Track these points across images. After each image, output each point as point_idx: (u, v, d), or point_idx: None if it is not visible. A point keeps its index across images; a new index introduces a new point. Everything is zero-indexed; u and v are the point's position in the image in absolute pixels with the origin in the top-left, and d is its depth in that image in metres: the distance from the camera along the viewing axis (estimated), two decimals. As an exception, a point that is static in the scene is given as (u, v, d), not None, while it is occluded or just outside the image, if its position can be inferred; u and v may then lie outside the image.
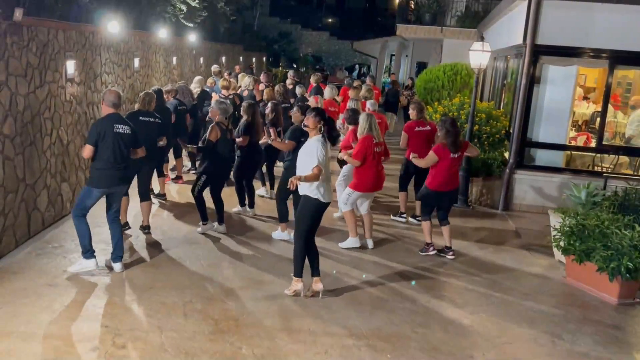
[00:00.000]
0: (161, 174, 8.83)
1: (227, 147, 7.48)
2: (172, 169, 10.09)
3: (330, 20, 48.08)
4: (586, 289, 6.51)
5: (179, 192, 9.37)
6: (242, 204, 8.41)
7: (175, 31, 14.58)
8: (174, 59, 14.43)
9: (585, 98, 11.48)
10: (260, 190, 9.31)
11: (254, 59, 29.02)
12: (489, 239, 8.17)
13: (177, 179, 9.95)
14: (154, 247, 6.93)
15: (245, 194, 8.37)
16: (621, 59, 9.29)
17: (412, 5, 20.78)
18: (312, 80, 14.15)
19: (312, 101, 9.82)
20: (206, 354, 4.66)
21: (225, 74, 14.39)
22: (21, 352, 4.53)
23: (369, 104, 9.17)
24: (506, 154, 10.04)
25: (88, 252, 5.94)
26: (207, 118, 9.49)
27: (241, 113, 8.19)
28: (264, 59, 33.56)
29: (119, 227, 6.25)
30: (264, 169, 9.44)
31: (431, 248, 7.29)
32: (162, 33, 12.89)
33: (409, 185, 8.62)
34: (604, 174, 9.16)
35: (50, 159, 7.32)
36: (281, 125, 8.72)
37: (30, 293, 5.46)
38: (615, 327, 5.73)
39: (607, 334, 5.56)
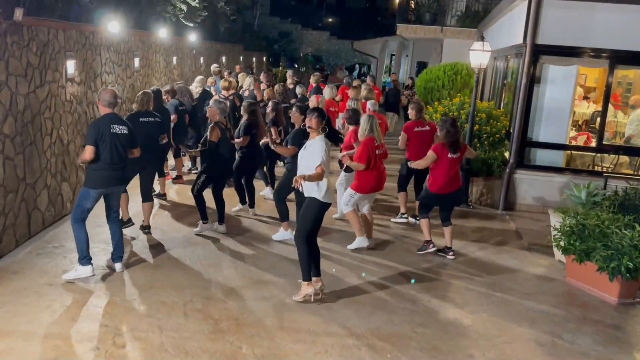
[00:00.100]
0: (162, 174, 8.83)
1: (227, 146, 7.48)
2: (173, 169, 10.10)
3: (330, 20, 48.16)
4: (586, 288, 6.51)
5: (179, 192, 9.36)
6: (242, 202, 8.41)
7: (176, 31, 14.58)
8: (174, 58, 14.42)
9: (586, 98, 11.49)
10: (265, 190, 9.30)
11: (254, 59, 29.02)
12: (489, 238, 8.17)
13: (177, 178, 9.95)
14: (154, 247, 6.93)
15: (246, 193, 8.37)
16: (621, 58, 9.28)
17: (412, 5, 20.76)
18: (312, 80, 14.11)
19: (313, 101, 9.78)
20: (206, 353, 4.66)
21: (226, 73, 14.38)
22: (21, 351, 4.53)
23: (369, 104, 9.14)
24: (506, 154, 10.04)
25: (85, 258, 5.86)
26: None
27: (241, 113, 8.19)
28: (264, 58, 33.55)
29: (119, 227, 6.24)
30: (265, 169, 9.44)
31: (430, 245, 7.27)
32: (162, 33, 12.88)
33: (409, 185, 8.61)
34: (604, 174, 9.17)
35: (51, 158, 7.32)
36: (282, 124, 8.72)
37: (30, 293, 5.47)
38: (616, 326, 5.73)
39: (607, 333, 5.56)
